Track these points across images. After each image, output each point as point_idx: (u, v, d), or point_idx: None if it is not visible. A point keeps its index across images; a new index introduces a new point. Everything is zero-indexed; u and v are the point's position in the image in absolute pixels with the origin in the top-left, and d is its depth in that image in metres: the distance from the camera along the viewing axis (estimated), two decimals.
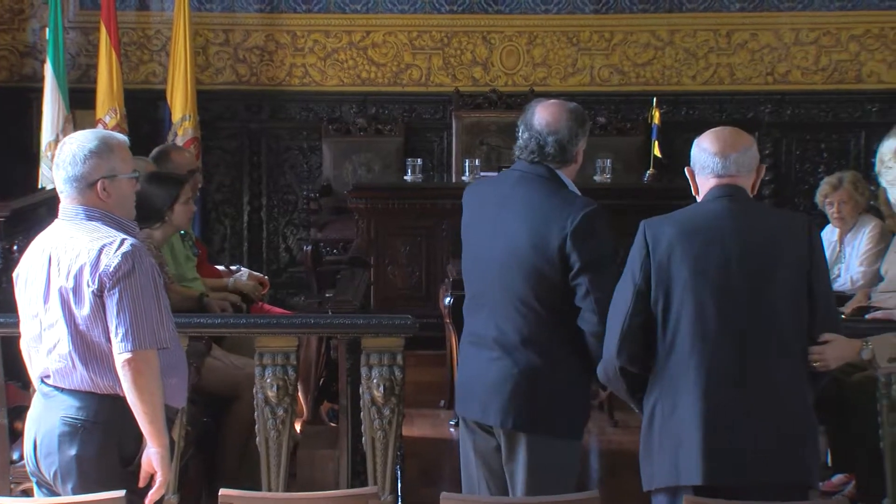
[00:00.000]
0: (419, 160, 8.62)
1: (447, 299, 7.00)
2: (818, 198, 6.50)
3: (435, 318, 7.18)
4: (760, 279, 3.73)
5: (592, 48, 9.52)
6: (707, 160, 3.84)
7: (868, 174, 6.56)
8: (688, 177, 3.94)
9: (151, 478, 3.80)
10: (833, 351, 3.76)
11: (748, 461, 3.68)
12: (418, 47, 9.54)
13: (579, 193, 4.20)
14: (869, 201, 6.27)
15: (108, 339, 3.73)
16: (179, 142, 8.74)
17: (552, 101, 4.33)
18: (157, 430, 3.75)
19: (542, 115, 4.23)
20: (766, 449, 3.68)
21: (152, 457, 3.77)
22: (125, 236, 3.78)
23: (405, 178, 8.57)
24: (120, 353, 3.71)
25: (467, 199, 4.41)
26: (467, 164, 8.53)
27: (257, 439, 4.86)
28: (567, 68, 9.52)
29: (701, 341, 3.72)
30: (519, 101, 9.48)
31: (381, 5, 9.51)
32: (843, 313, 5.31)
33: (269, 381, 4.82)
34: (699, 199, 3.91)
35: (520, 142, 4.28)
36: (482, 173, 8.46)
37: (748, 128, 9.26)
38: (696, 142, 3.91)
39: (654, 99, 8.69)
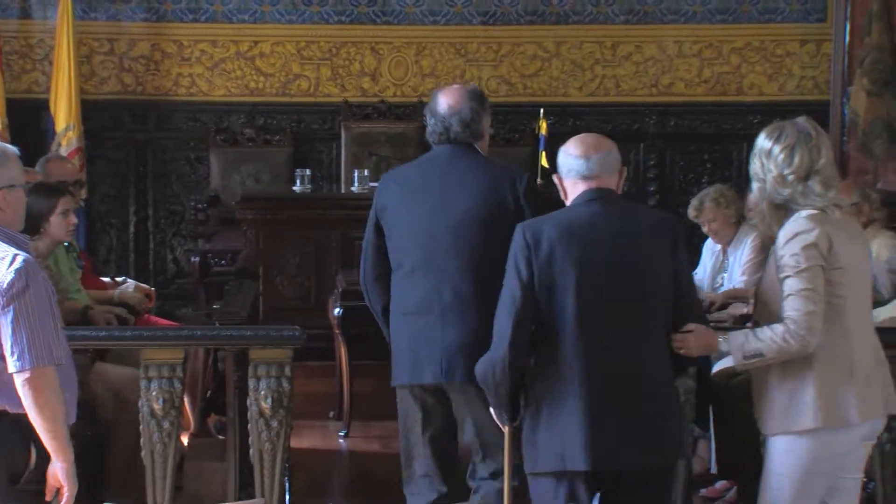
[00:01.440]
0: (308, 171, 8.58)
1: (336, 310, 6.98)
2: (690, 216, 6.58)
3: (324, 329, 7.13)
4: (636, 276, 3.97)
5: (480, 59, 9.57)
6: (572, 163, 4.06)
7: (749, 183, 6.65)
8: (556, 183, 4.13)
9: (58, 492, 3.79)
10: (695, 340, 3.98)
11: (630, 446, 3.92)
12: (306, 58, 9.51)
13: None
14: (742, 212, 6.36)
15: None
16: (63, 152, 8.60)
17: (452, 86, 4.80)
18: (61, 446, 3.73)
19: (444, 99, 4.69)
20: (646, 435, 3.93)
21: (58, 471, 3.75)
22: (17, 251, 3.72)
23: (294, 188, 8.52)
24: (18, 372, 3.67)
25: (391, 183, 4.81)
26: (356, 174, 8.52)
27: (143, 452, 4.80)
28: (455, 79, 9.54)
29: (583, 337, 3.93)
30: (408, 112, 9.51)
31: (268, 15, 9.46)
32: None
33: (154, 393, 4.76)
34: (568, 202, 4.10)
35: (429, 128, 4.76)
36: (371, 183, 8.45)
37: (634, 139, 9.50)
38: (560, 149, 4.12)
39: (542, 110, 8.74)
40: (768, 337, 3.85)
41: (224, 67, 9.45)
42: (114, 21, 9.37)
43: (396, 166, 5.36)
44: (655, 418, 3.95)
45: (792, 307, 3.82)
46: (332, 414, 7.18)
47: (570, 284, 3.93)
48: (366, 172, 8.52)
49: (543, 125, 8.69)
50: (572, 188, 4.08)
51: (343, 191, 9.01)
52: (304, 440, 6.71)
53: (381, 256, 4.87)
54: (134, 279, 6.85)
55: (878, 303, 5.35)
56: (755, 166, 3.95)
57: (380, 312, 4.94)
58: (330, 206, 8.27)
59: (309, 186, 8.49)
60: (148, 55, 9.40)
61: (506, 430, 4.24)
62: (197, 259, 7.20)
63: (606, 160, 4.06)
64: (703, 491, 5.75)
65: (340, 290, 7.09)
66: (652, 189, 9.60)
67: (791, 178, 3.88)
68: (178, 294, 9.13)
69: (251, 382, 4.81)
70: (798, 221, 3.88)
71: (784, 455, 3.92)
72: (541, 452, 3.99)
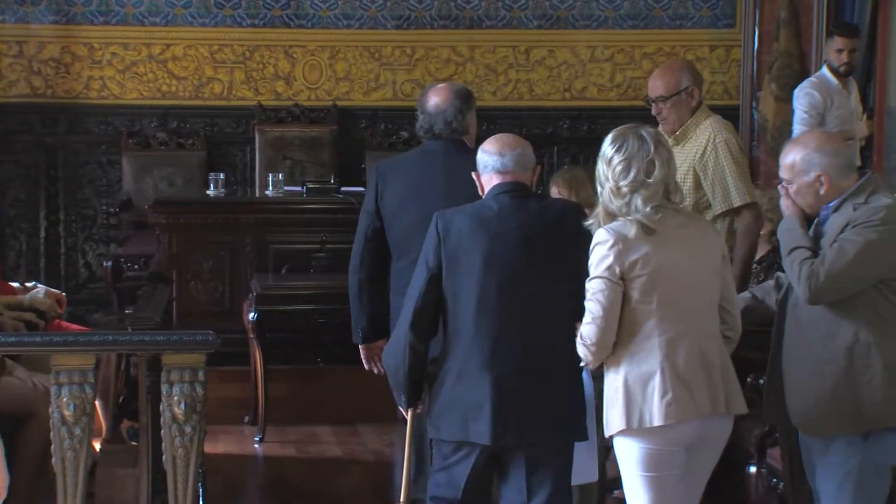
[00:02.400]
0: (222, 174, 8.53)
1: (251, 314, 6.96)
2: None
3: (239, 334, 7.12)
4: (539, 264, 4.24)
5: (395, 63, 9.57)
6: (488, 160, 4.35)
7: None
8: (475, 180, 4.42)
9: None
10: None
11: (530, 424, 4.21)
12: (220, 61, 9.45)
13: None
14: None
15: None
16: None
17: (442, 84, 5.29)
18: None
19: (432, 98, 5.17)
20: (544, 414, 4.22)
21: None
22: None
23: (208, 192, 8.47)
24: None
25: (390, 176, 5.14)
26: (270, 178, 8.49)
27: (53, 459, 4.73)
28: (370, 83, 9.55)
29: (487, 320, 4.20)
30: (322, 116, 9.48)
31: (180, 18, 9.38)
32: None
33: (65, 399, 4.69)
34: (483, 196, 4.38)
35: (418, 123, 5.21)
36: (286, 188, 8.42)
37: (547, 143, 9.55)
38: (479, 148, 4.41)
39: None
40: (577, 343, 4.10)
41: (136, 70, 9.36)
42: (22, 23, 9.23)
43: (387, 159, 5.54)
44: (554, 399, 4.21)
45: (585, 315, 4.07)
46: (246, 419, 7.16)
47: (476, 271, 4.20)
48: (280, 176, 8.50)
49: None
50: (488, 183, 4.35)
51: (257, 195, 8.96)
52: (218, 445, 6.67)
53: (378, 252, 5.12)
54: (45, 284, 6.74)
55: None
56: (599, 171, 4.10)
57: (364, 322, 5.14)
58: (244, 210, 8.24)
59: (223, 190, 8.45)
60: (58, 58, 9.28)
61: (407, 414, 4.45)
62: (109, 264, 7.12)
63: (520, 157, 4.34)
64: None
65: (255, 294, 7.08)
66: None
67: (625, 189, 4.05)
68: (90, 299, 9.02)
69: (164, 388, 4.77)
70: (599, 232, 4.07)
71: (618, 457, 4.14)
72: (444, 421, 4.27)
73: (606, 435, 4.14)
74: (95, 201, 9.35)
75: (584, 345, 4.06)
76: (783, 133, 8.95)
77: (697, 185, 5.47)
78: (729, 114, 9.14)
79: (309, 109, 9.45)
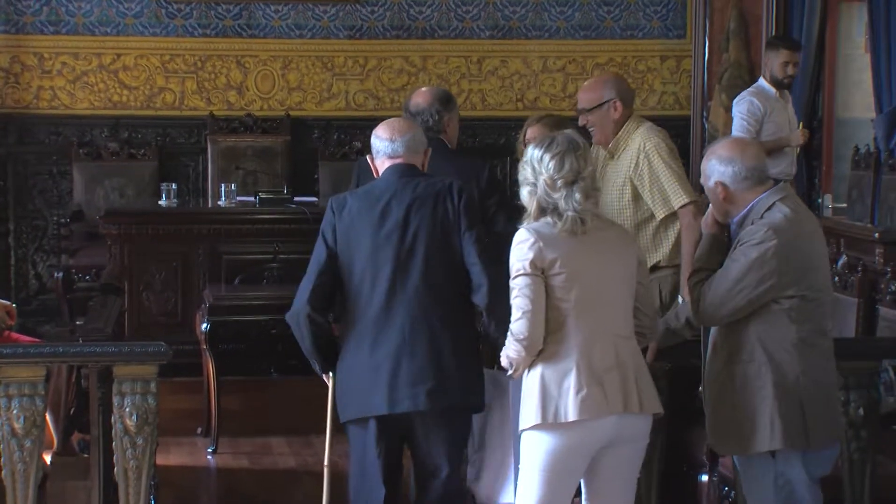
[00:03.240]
0: (174, 185, 8.48)
1: (204, 325, 6.92)
2: None
3: (191, 345, 7.08)
4: (426, 239, 4.52)
5: (347, 73, 9.57)
6: (380, 145, 4.67)
7: None
8: (369, 163, 4.73)
9: None
10: None
11: (420, 390, 4.46)
12: (171, 70, 9.40)
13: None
14: None
15: None
16: None
17: (424, 87, 5.80)
18: None
19: (414, 100, 5.61)
20: (435, 380, 4.47)
21: None
22: None
23: (160, 203, 8.41)
24: None
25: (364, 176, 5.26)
26: (223, 188, 8.45)
27: (3, 472, 4.69)
28: (322, 93, 9.54)
29: (379, 295, 4.48)
30: (274, 126, 9.46)
31: (131, 28, 9.34)
32: None
33: (15, 412, 4.66)
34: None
35: None
36: (239, 198, 8.39)
37: (500, 153, 9.57)
38: (373, 133, 4.72)
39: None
40: (506, 341, 4.19)
41: (87, 80, 9.29)
42: None
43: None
44: (443, 366, 4.46)
45: (513, 312, 4.15)
46: (199, 430, 7.11)
47: (367, 248, 4.50)
48: (233, 186, 8.46)
49: None
50: (381, 166, 4.67)
51: (210, 205, 8.92)
52: (171, 457, 6.62)
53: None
54: None
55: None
56: (525, 172, 4.21)
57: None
58: (196, 220, 8.18)
59: (175, 201, 8.40)
60: (7, 67, 9.20)
61: (327, 380, 4.70)
62: (60, 275, 7.07)
63: (411, 142, 4.67)
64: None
65: (207, 305, 7.04)
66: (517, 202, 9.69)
67: (560, 182, 4.15)
68: (41, 311, 8.94)
69: (115, 399, 4.74)
70: (519, 232, 4.18)
71: (523, 450, 4.20)
72: (347, 402, 4.54)
73: (520, 429, 4.19)
74: (46, 212, 9.28)
75: (517, 339, 4.11)
76: None
77: (636, 196, 5.52)
78: (680, 124, 9.30)
79: (261, 119, 9.42)
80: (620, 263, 4.23)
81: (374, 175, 4.71)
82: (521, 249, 4.15)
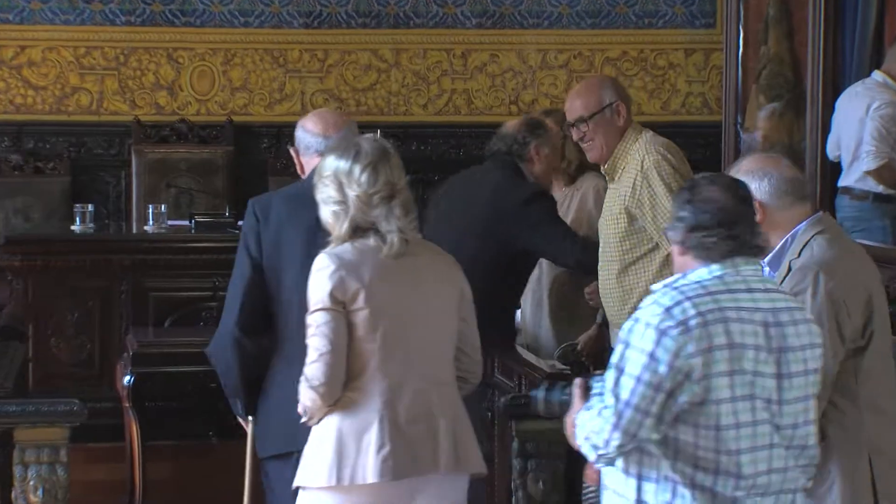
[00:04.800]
0: (90, 206, 8.47)
1: (126, 378, 6.91)
2: None
3: (111, 403, 7.07)
4: None
5: (303, 70, 9.59)
6: (311, 140, 4.81)
7: None
8: (293, 156, 4.89)
9: None
10: None
11: None
12: (87, 67, 9.42)
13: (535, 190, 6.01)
14: None
15: None
16: None
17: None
18: None
19: (503, 128, 6.14)
20: None
21: None
22: None
23: (73, 227, 8.41)
24: None
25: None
26: (151, 210, 8.44)
27: None
28: (273, 94, 9.55)
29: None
30: (214, 133, 9.47)
31: (38, 15, 9.35)
32: None
33: None
34: (304, 177, 4.82)
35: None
36: (170, 222, 8.39)
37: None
38: (299, 123, 4.86)
39: (378, 131, 8.74)
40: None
41: None
42: None
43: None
44: None
45: (309, 353, 4.21)
46: None
47: (298, 257, 4.54)
48: (163, 208, 8.46)
49: None
50: (309, 164, 4.79)
51: (135, 230, 8.94)
52: None
53: None
54: None
55: None
56: (329, 190, 4.25)
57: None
58: (118, 249, 8.18)
59: (91, 225, 8.40)
60: None
61: (246, 425, 4.80)
62: None
63: (345, 139, 4.73)
64: None
65: (131, 353, 7.03)
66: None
67: (377, 198, 4.22)
68: None
69: (17, 470, 4.73)
70: (319, 258, 4.23)
71: None
72: (272, 435, 4.65)
73: (299, 484, 4.26)
74: None
75: (312, 386, 4.18)
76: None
77: (628, 230, 5.56)
78: (709, 132, 9.32)
79: (198, 126, 9.44)
80: (440, 297, 4.32)
81: (300, 173, 4.87)
82: (320, 279, 4.20)
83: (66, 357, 7.92)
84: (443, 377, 4.31)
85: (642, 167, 5.51)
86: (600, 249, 5.69)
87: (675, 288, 3.63)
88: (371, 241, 4.23)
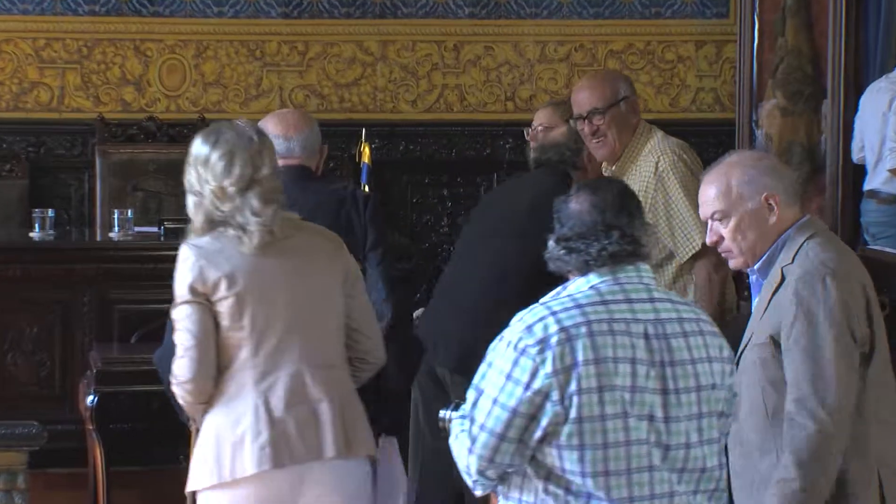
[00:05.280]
0: (51, 211, 8.48)
1: (90, 398, 6.90)
2: None
3: (73, 425, 7.10)
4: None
5: (282, 63, 9.58)
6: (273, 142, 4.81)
7: None
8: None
9: None
10: None
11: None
12: (47, 60, 9.40)
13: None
14: None
15: None
16: None
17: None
18: None
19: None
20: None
21: None
22: None
23: (31, 234, 8.42)
24: None
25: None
26: (117, 215, 8.45)
27: None
28: (249, 89, 9.55)
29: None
30: (185, 133, 9.40)
31: None
32: None
33: None
34: None
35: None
36: (137, 228, 8.37)
37: (484, 167, 9.56)
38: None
39: (363, 130, 8.78)
40: None
41: None
42: None
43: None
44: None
45: (176, 350, 4.38)
46: None
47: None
48: (129, 213, 8.47)
49: (366, 151, 8.71)
50: None
51: (99, 238, 8.94)
52: None
53: None
54: None
55: None
56: (191, 177, 4.43)
57: None
58: (81, 258, 8.21)
59: (52, 232, 8.40)
60: None
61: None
62: None
63: (308, 140, 5.19)
64: None
65: (95, 371, 7.02)
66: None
67: (232, 190, 4.37)
68: None
69: None
70: (181, 249, 4.43)
71: None
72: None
73: (189, 490, 4.44)
74: None
75: (179, 384, 4.37)
76: (792, 155, 9.02)
77: None
78: (721, 130, 9.30)
79: (168, 124, 9.41)
80: (317, 275, 4.47)
81: None
82: (181, 271, 4.39)
83: (23, 376, 7.94)
84: (329, 360, 4.44)
85: (657, 169, 5.51)
86: None
87: (545, 303, 3.64)
88: (231, 231, 4.38)
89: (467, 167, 9.33)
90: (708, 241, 4.40)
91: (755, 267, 4.33)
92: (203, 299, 4.36)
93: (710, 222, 4.38)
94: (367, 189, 8.62)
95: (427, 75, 9.70)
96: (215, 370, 4.37)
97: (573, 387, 3.52)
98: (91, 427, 6.90)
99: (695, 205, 5.44)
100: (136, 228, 8.39)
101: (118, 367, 7.16)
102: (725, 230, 4.33)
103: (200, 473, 4.39)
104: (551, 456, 3.56)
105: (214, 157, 4.38)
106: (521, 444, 3.56)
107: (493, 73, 9.74)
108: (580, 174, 5.88)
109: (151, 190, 9.29)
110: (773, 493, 4.12)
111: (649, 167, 5.58)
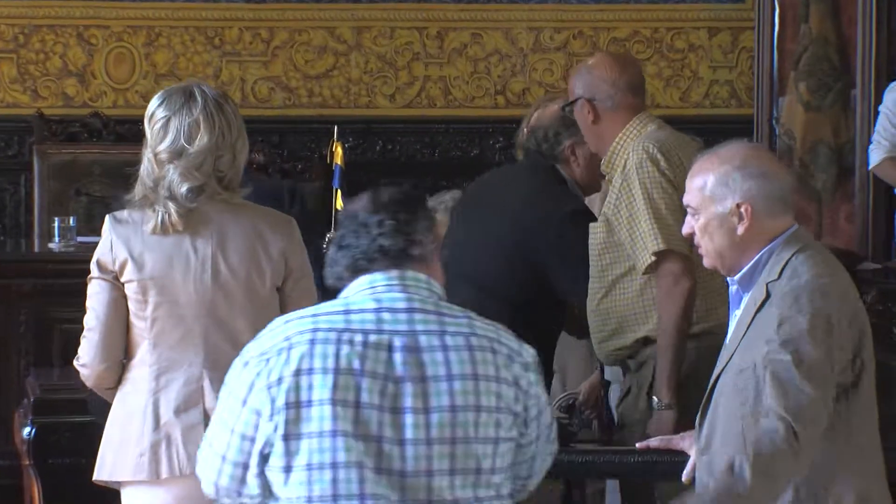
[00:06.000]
0: None
1: (26, 430, 6.86)
2: None
3: (6, 460, 7.13)
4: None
5: (244, 52, 9.60)
6: None
7: None
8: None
9: None
10: None
11: None
12: None
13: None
14: None
15: None
16: None
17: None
18: None
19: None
20: None
21: None
22: None
23: None
24: None
25: None
26: (58, 224, 8.42)
27: None
28: (206, 82, 9.42)
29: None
30: (135, 131, 9.37)
31: None
32: None
33: None
34: None
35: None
36: (80, 238, 8.36)
37: (472, 168, 9.49)
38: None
39: (336, 128, 8.76)
40: None
41: None
42: None
43: None
44: None
45: None
46: None
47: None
48: (72, 221, 8.45)
49: (338, 151, 8.67)
50: None
51: (37, 249, 8.93)
52: None
53: None
54: None
55: None
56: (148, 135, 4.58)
57: None
58: (16, 272, 8.25)
59: None
60: None
61: None
62: None
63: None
64: None
65: (32, 399, 6.98)
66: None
67: (164, 156, 4.48)
68: None
69: None
70: (106, 217, 4.56)
71: None
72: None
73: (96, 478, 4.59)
74: None
75: (79, 364, 4.57)
76: (817, 156, 9.02)
77: (606, 241, 5.57)
78: (738, 128, 9.23)
79: (115, 121, 9.38)
80: (242, 268, 4.52)
81: None
82: (100, 244, 4.54)
83: None
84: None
85: (624, 167, 5.50)
86: None
87: (298, 313, 3.66)
88: (147, 209, 4.50)
89: (452, 170, 9.32)
90: (684, 230, 4.41)
91: (735, 278, 4.34)
92: (111, 278, 4.47)
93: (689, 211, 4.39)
94: (339, 196, 8.57)
95: (407, 66, 9.70)
96: (120, 356, 4.50)
97: (281, 401, 3.50)
98: (27, 462, 6.86)
99: (657, 210, 5.45)
100: (79, 238, 8.35)
101: (58, 394, 7.11)
102: (696, 226, 4.34)
103: (96, 465, 4.57)
104: (270, 476, 3.56)
105: (156, 118, 4.49)
106: (241, 468, 3.55)
107: (481, 64, 9.74)
108: (565, 168, 5.98)
109: (96, 195, 9.25)
110: (714, 484, 4.12)
111: (621, 169, 5.60)
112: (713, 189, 4.30)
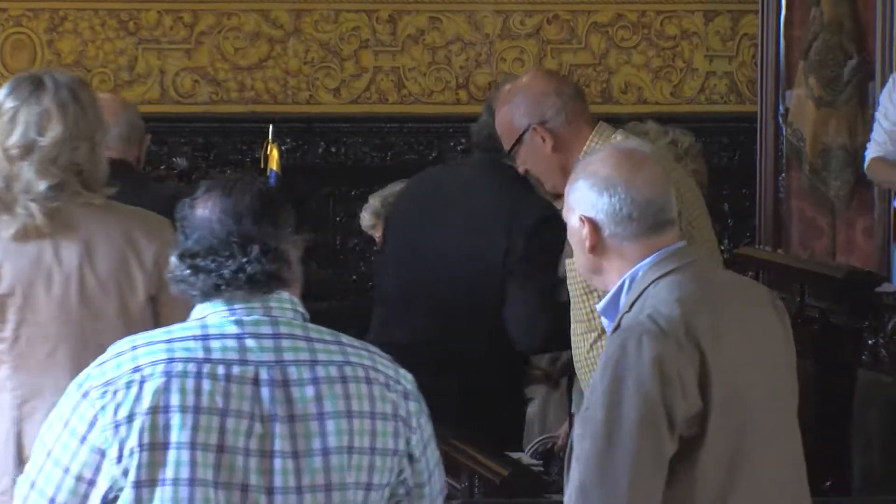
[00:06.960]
0: None
1: None
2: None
3: None
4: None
5: (163, 40, 9.60)
6: None
7: None
8: None
9: None
10: None
11: None
12: None
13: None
14: None
15: None
16: None
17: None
18: None
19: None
20: None
21: None
22: None
23: None
24: None
25: None
26: None
27: None
28: (119, 73, 9.53)
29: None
30: None
31: None
32: None
33: None
34: None
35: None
36: None
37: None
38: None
39: (271, 127, 8.74)
40: None
41: None
42: None
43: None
44: None
45: None
46: None
47: None
48: None
49: (274, 153, 8.66)
50: None
51: None
52: None
53: None
54: None
55: None
56: None
57: None
58: None
59: None
60: None
61: None
62: None
63: (125, 127, 5.71)
64: None
65: None
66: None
67: (14, 152, 4.54)
68: None
69: None
70: None
71: None
72: None
73: None
74: None
75: None
76: (830, 160, 9.05)
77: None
78: (739, 127, 9.31)
79: None
80: (112, 277, 4.61)
81: None
82: None
83: None
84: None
85: None
86: None
87: (137, 335, 3.64)
88: (2, 212, 4.54)
89: (407, 175, 9.21)
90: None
91: (599, 307, 4.30)
92: None
93: None
94: None
95: (354, 55, 9.71)
96: None
97: (133, 442, 3.46)
98: None
99: None
100: None
101: None
102: None
103: None
104: None
105: (3, 109, 4.56)
106: None
107: (440, 53, 9.75)
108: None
109: None
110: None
111: None
112: (568, 197, 4.25)
